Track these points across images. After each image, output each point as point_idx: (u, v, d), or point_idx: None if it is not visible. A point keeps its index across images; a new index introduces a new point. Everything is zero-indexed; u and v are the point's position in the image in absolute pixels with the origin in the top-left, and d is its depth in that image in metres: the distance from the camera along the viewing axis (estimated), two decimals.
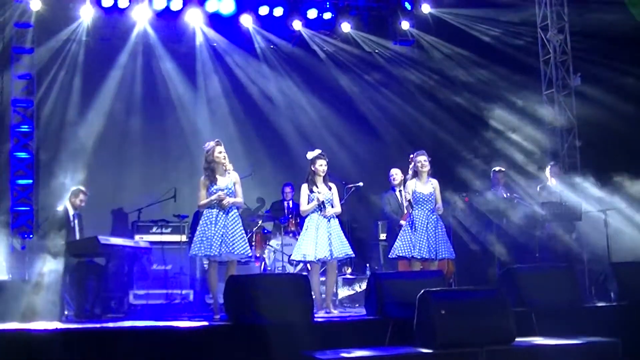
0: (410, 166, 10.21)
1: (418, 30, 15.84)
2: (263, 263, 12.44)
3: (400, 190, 11.45)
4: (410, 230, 9.76)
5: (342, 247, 9.53)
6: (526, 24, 14.48)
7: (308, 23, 15.43)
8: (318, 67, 15.81)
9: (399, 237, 9.90)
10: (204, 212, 8.97)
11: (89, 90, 13.96)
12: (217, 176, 9.01)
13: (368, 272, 12.45)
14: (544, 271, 9.10)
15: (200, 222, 8.96)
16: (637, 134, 12.48)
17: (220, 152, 9.03)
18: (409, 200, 9.88)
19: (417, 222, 9.74)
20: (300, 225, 13.00)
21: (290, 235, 12.80)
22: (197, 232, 8.91)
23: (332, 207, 9.65)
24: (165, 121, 14.72)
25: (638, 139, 12.46)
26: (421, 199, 9.82)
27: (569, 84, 14.02)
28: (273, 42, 15.57)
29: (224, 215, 8.86)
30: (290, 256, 12.36)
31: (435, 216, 9.79)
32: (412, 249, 9.64)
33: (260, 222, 12.87)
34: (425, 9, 15.42)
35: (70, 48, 13.98)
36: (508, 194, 11.52)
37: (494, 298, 7.01)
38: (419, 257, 9.62)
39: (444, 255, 9.73)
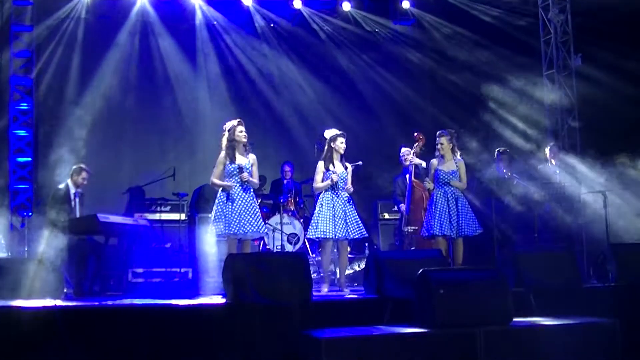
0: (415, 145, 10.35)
1: (418, 9, 15.75)
2: (262, 242, 12.46)
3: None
4: (431, 210, 9.93)
5: (359, 228, 9.62)
6: (527, 3, 14.46)
7: (308, 2, 15.36)
8: (318, 46, 15.78)
9: (426, 216, 10.12)
10: (220, 192, 9.14)
11: (88, 68, 13.92)
12: (237, 154, 9.17)
13: (367, 252, 12.46)
14: (543, 252, 9.11)
15: (217, 201, 9.13)
16: (637, 115, 12.46)
17: (241, 132, 9.24)
18: (428, 181, 10.02)
19: (437, 201, 9.88)
20: (299, 204, 13.05)
21: (290, 214, 12.81)
22: (215, 212, 9.07)
23: (346, 185, 9.68)
24: (165, 99, 14.70)
25: (638, 120, 12.44)
26: (441, 177, 9.94)
27: (570, 64, 13.99)
28: (273, 21, 15.51)
29: (241, 194, 9.08)
30: (289, 235, 12.41)
31: (455, 194, 9.89)
32: (434, 227, 9.79)
33: (259, 200, 12.87)
34: None
35: (69, 25, 13.92)
36: (509, 174, 11.50)
37: (493, 278, 7.01)
38: (439, 234, 9.76)
39: (467, 233, 9.82)
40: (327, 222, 9.48)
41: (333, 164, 9.69)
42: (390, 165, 11.96)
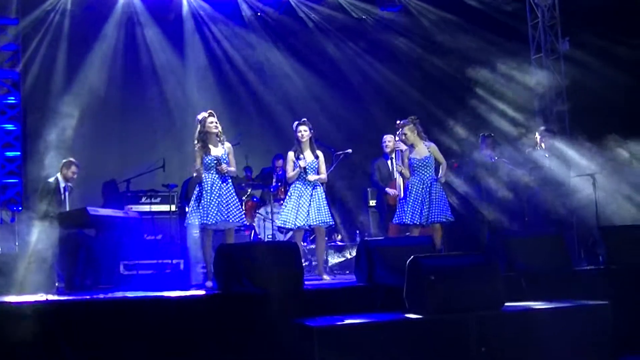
0: (397, 133, 10.34)
1: None
2: (253, 231, 12.46)
3: (392, 158, 11.47)
4: (405, 198, 9.96)
5: (319, 215, 9.68)
6: None
7: None
8: (305, 34, 15.75)
9: (399, 204, 10.12)
10: (199, 183, 9.13)
11: (75, 60, 13.86)
12: (210, 146, 9.15)
13: (358, 239, 12.47)
14: (533, 236, 9.13)
15: (196, 191, 9.13)
16: (625, 98, 12.50)
17: (212, 122, 9.19)
18: (400, 170, 10.02)
19: (412, 189, 9.89)
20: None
21: (280, 203, 12.80)
22: (193, 202, 9.07)
23: (316, 174, 9.71)
24: (153, 91, 14.65)
25: (626, 103, 12.48)
26: (415, 165, 9.95)
27: (558, 48, 14.01)
28: (260, 10, 15.47)
29: (219, 184, 9.02)
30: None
31: (430, 181, 9.88)
32: (406, 215, 9.82)
33: (249, 190, 12.87)
34: None
35: (55, 18, 13.87)
36: (496, 158, 11.51)
37: (484, 263, 7.02)
38: (410, 223, 9.79)
39: (437, 219, 9.80)
40: (290, 211, 9.66)
41: (302, 154, 9.74)
42: (379, 151, 11.95)
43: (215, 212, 8.88)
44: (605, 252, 9.12)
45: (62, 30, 13.94)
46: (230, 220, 9.00)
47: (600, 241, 9.35)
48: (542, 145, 11.77)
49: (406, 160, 10.10)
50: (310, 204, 9.66)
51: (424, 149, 10.02)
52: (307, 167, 9.68)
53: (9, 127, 12.94)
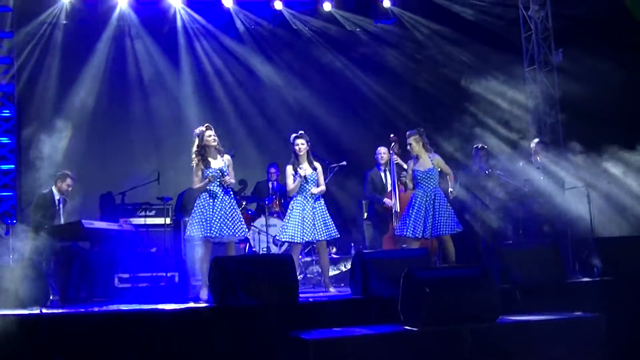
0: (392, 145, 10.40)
1: (399, 8, 15.80)
2: (247, 244, 12.45)
3: (385, 170, 11.49)
4: (408, 210, 9.97)
5: (326, 229, 9.67)
6: (508, 1, 14.48)
7: (289, 2, 15.40)
8: (300, 46, 15.79)
9: (402, 215, 10.16)
10: (200, 195, 9.17)
11: (69, 73, 13.89)
12: (210, 159, 9.18)
13: (353, 252, 12.47)
14: (528, 248, 9.14)
15: (197, 203, 9.15)
16: (619, 109, 12.52)
17: (209, 136, 9.22)
18: (404, 182, 10.06)
19: (415, 201, 9.92)
20: (284, 206, 13.06)
21: (275, 216, 12.81)
22: (194, 214, 9.09)
23: (317, 186, 9.71)
24: (147, 103, 14.67)
25: (620, 115, 12.50)
26: (419, 177, 9.97)
27: (551, 60, 14.04)
28: (254, 22, 15.51)
29: (222, 197, 9.10)
30: (275, 237, 12.40)
31: (433, 193, 9.90)
32: (407, 228, 9.84)
33: (244, 203, 12.87)
34: None
35: (50, 31, 13.91)
36: (490, 170, 11.53)
37: (478, 275, 7.03)
38: (411, 236, 9.81)
39: (443, 232, 9.82)
40: (296, 225, 9.59)
41: (300, 166, 9.74)
42: (373, 163, 11.96)
43: (219, 225, 8.93)
44: (600, 264, 9.12)
45: (56, 43, 13.97)
46: (237, 234, 9.11)
47: (595, 253, 9.36)
48: (537, 157, 11.78)
49: (410, 172, 10.11)
50: (314, 218, 9.64)
51: (427, 161, 10.04)
52: (308, 178, 9.67)
53: (4, 140, 12.95)
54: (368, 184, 11.72)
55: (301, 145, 9.80)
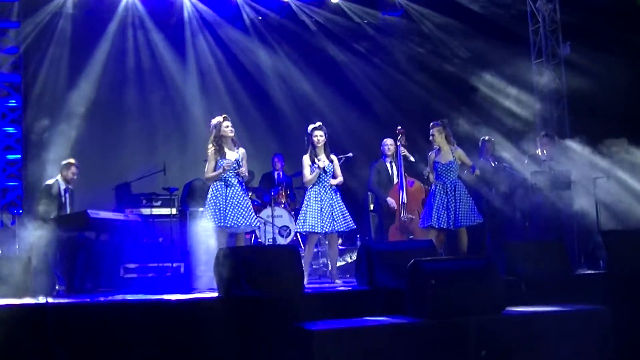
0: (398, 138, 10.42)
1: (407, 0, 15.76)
2: (253, 235, 12.46)
3: (391, 162, 11.49)
4: (430, 201, 10.04)
5: (345, 221, 9.72)
6: None
7: None
8: (307, 38, 15.76)
9: (425, 207, 10.26)
10: (212, 185, 9.25)
11: (76, 63, 13.88)
12: (226, 150, 9.28)
13: (359, 243, 12.47)
14: (534, 241, 9.16)
15: (211, 193, 9.23)
16: (626, 103, 12.49)
17: (227, 127, 9.36)
18: (428, 173, 10.08)
19: (436, 193, 9.99)
20: (290, 196, 13.06)
21: (281, 206, 12.81)
22: (209, 204, 9.18)
23: (333, 178, 9.75)
24: (155, 94, 14.68)
25: (627, 108, 12.47)
26: (439, 169, 10.02)
27: (558, 53, 14.02)
28: (261, 13, 15.49)
29: (236, 187, 9.22)
30: (281, 228, 12.41)
31: (454, 185, 9.96)
32: (432, 218, 9.91)
33: (250, 193, 12.87)
34: None
35: (57, 21, 13.89)
36: (496, 163, 11.52)
37: (484, 267, 7.02)
38: (437, 226, 9.87)
39: (464, 223, 9.90)
40: (315, 216, 9.60)
41: (317, 157, 9.73)
42: (379, 155, 11.95)
43: (234, 215, 9.03)
44: (605, 257, 9.11)
45: (63, 33, 13.96)
46: (253, 224, 9.28)
47: (601, 245, 9.34)
48: (544, 151, 11.75)
49: (431, 163, 10.13)
50: (332, 209, 9.67)
51: (449, 154, 10.07)
52: (326, 169, 9.68)
53: (10, 129, 12.96)
54: (374, 175, 11.72)
55: (319, 136, 9.82)
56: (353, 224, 9.84)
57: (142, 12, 14.52)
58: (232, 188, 9.16)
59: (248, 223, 9.16)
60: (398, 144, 11.11)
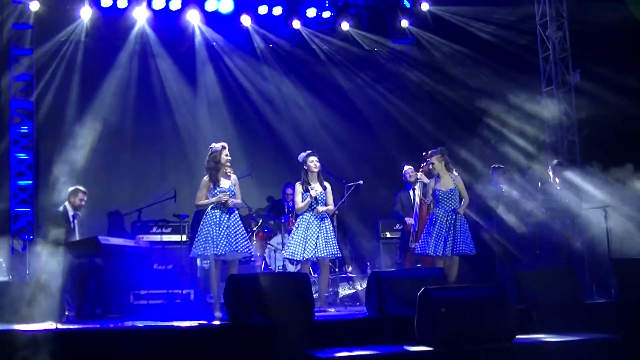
0: (423, 165, 10.45)
1: (417, 28, 15.76)
2: (263, 262, 12.45)
3: (414, 189, 11.49)
4: (429, 228, 10.02)
5: (327, 248, 9.66)
6: (525, 21, 14.48)
7: (307, 22, 15.39)
8: (318, 66, 15.80)
9: (423, 234, 10.18)
10: (207, 213, 9.13)
11: (88, 90, 13.95)
12: (220, 178, 9.18)
13: (369, 271, 12.44)
14: (545, 268, 9.12)
15: (203, 222, 9.12)
16: (636, 130, 12.49)
17: (226, 155, 9.26)
18: (429, 201, 10.07)
19: (436, 220, 9.96)
20: None
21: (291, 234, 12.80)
22: (200, 232, 9.06)
23: (325, 205, 9.72)
24: (165, 121, 14.74)
25: (637, 135, 12.46)
26: (440, 196, 10.03)
27: (569, 80, 14.03)
28: (272, 42, 15.55)
29: (227, 216, 9.04)
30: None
31: (454, 213, 9.96)
32: (429, 246, 9.88)
33: (260, 221, 12.88)
34: (425, 6, 15.32)
35: (69, 49, 13.96)
36: (507, 191, 11.51)
37: (495, 295, 7.01)
38: (433, 254, 9.86)
39: (461, 251, 9.86)
40: (297, 243, 9.63)
41: (310, 184, 9.75)
42: (390, 183, 11.99)
43: (224, 243, 8.88)
44: (616, 285, 9.08)
45: (75, 60, 14.04)
46: (239, 251, 9.01)
47: (612, 274, 9.32)
48: (556, 179, 11.74)
49: (430, 192, 10.13)
50: (318, 236, 9.64)
51: (449, 181, 10.09)
52: (317, 197, 9.67)
53: (22, 156, 13.00)
54: (397, 204, 11.80)
55: (315, 162, 9.83)
56: (337, 251, 9.78)
57: (154, 40, 14.59)
58: (224, 216, 9.04)
59: (234, 249, 8.94)
60: (421, 170, 11.07)
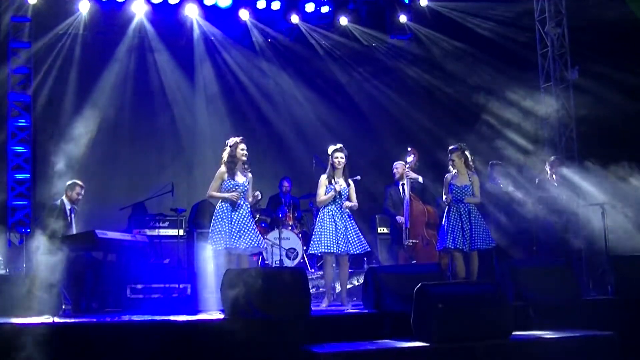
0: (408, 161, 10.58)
1: (415, 23, 15.77)
2: (260, 257, 12.44)
3: (402, 184, 11.46)
4: (445, 224, 10.06)
5: (360, 243, 9.62)
6: (524, 17, 14.48)
7: (305, 17, 15.39)
8: (315, 61, 15.79)
9: (441, 230, 10.22)
10: (218, 206, 9.23)
11: (86, 84, 13.92)
12: (238, 172, 9.24)
13: (366, 266, 12.43)
14: (542, 265, 9.12)
15: (216, 215, 9.18)
16: (634, 127, 12.49)
17: (242, 149, 9.31)
18: (447, 199, 10.07)
19: (451, 215, 10.03)
20: (297, 219, 13.05)
21: (289, 228, 12.80)
22: (215, 226, 9.13)
23: (348, 201, 9.69)
24: (163, 115, 14.72)
25: (635, 132, 12.47)
26: (454, 191, 10.06)
27: (567, 77, 14.02)
28: (271, 36, 15.54)
29: (240, 209, 9.17)
30: (288, 250, 12.40)
31: (468, 208, 10.01)
32: (447, 240, 9.92)
33: (258, 215, 12.87)
34: (423, 2, 15.32)
35: (67, 42, 13.94)
36: (504, 187, 11.50)
37: (492, 292, 7.01)
38: (452, 247, 9.87)
39: (480, 246, 9.91)
40: (330, 236, 9.47)
41: (335, 179, 9.68)
42: (388, 178, 11.95)
43: (239, 236, 9.00)
44: (614, 282, 9.09)
45: (73, 54, 14.02)
46: (252, 245, 9.11)
47: (609, 271, 9.32)
48: (553, 176, 11.74)
49: (447, 185, 10.15)
50: (347, 230, 9.56)
51: (465, 178, 10.12)
52: (342, 192, 9.63)
53: (19, 149, 13.00)
54: (387, 199, 11.73)
55: (340, 158, 9.73)
56: (368, 246, 9.74)
57: (152, 34, 14.57)
58: (237, 211, 9.11)
59: (254, 245, 9.09)
60: (407, 165, 11.09)
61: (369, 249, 9.95)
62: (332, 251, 9.49)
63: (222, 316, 7.68)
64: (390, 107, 15.82)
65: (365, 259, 12.88)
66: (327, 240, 9.48)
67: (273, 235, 12.59)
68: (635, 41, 12.72)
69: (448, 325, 6.55)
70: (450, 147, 10.36)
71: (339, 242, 9.47)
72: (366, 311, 8.22)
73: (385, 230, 13.18)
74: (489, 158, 12.32)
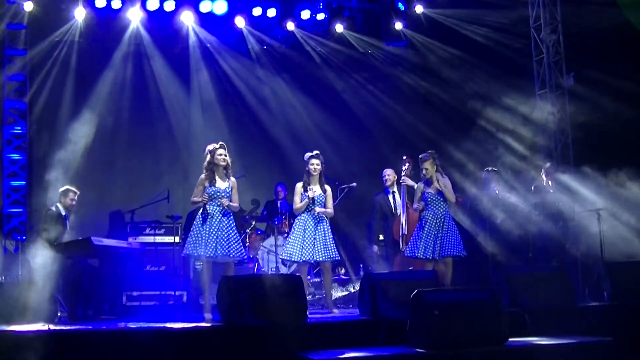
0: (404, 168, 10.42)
1: (411, 30, 15.80)
2: (256, 264, 12.44)
3: (393, 192, 11.48)
4: (419, 231, 10.03)
5: (326, 251, 9.59)
6: (519, 24, 14.49)
7: (301, 24, 15.41)
8: (311, 68, 15.80)
9: (412, 237, 10.18)
10: (198, 212, 9.08)
11: (81, 91, 13.91)
12: (217, 178, 9.16)
13: (362, 273, 12.44)
14: (538, 271, 9.13)
15: (195, 222, 9.10)
16: (630, 134, 12.50)
17: (220, 155, 9.19)
18: (420, 207, 10.04)
19: (425, 223, 9.98)
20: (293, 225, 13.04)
21: (285, 235, 12.78)
22: (191, 232, 9.04)
23: (323, 207, 9.68)
24: (159, 122, 14.71)
25: (631, 139, 12.48)
26: (429, 199, 10.04)
27: (562, 83, 14.03)
28: (266, 43, 15.55)
29: (219, 217, 8.99)
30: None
31: (443, 216, 9.95)
32: (418, 249, 9.88)
33: (253, 222, 12.87)
34: (419, 9, 15.37)
35: (63, 49, 13.93)
36: (500, 193, 11.51)
37: (488, 298, 7.02)
38: (423, 257, 9.85)
39: (449, 254, 9.85)
40: (295, 244, 9.58)
41: (310, 186, 9.71)
42: (384, 186, 11.94)
43: (214, 244, 8.86)
44: (609, 288, 9.10)
45: (69, 61, 14.01)
46: (231, 255, 8.96)
47: (605, 277, 9.34)
48: (549, 182, 11.76)
49: (419, 194, 10.13)
50: (315, 238, 9.57)
51: (437, 185, 10.06)
52: (315, 199, 9.64)
53: (15, 156, 12.99)
54: (376, 209, 11.68)
55: (316, 165, 9.75)
56: (336, 254, 9.70)
57: (148, 41, 14.56)
58: (214, 218, 8.99)
59: (226, 253, 8.91)
60: (403, 173, 11.09)
61: (339, 258, 9.91)
62: (293, 259, 9.63)
63: (217, 323, 7.68)
64: (386, 113, 15.83)
65: (361, 265, 12.90)
66: (291, 248, 9.61)
67: (269, 242, 12.58)
68: (630, 48, 12.74)
69: (444, 331, 6.56)
70: (420, 156, 10.32)
71: (304, 250, 9.51)
72: (362, 318, 8.21)
73: (382, 237, 13.16)
74: (485, 164, 12.34)
